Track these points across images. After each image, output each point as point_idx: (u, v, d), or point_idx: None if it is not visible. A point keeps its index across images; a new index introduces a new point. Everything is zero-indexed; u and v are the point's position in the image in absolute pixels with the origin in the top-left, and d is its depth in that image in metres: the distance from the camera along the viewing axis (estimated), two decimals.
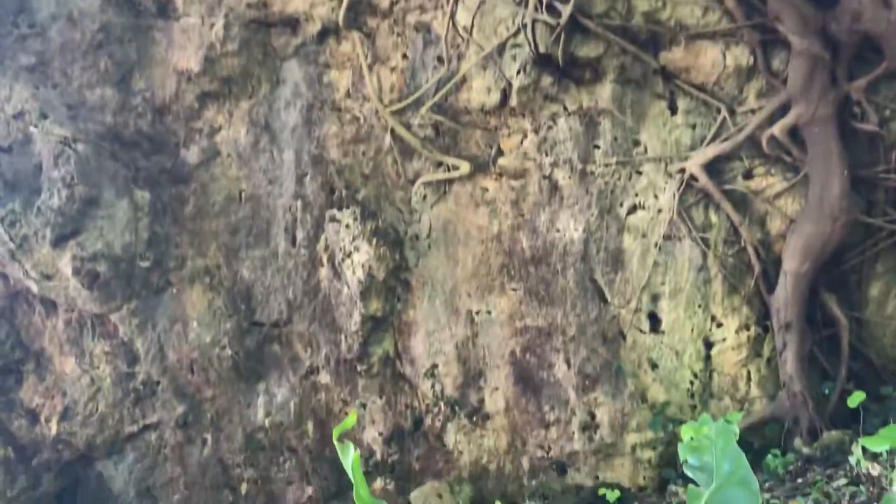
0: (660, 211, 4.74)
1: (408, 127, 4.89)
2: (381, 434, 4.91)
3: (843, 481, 3.87)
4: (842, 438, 4.32)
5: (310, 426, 4.91)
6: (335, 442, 1.43)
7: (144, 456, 4.90)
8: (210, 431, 4.92)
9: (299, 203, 4.94)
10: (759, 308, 4.77)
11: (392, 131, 4.92)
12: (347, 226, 4.75)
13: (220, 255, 4.90)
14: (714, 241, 4.74)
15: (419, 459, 4.89)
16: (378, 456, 4.91)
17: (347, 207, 4.83)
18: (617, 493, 4.02)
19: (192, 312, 4.86)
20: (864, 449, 3.78)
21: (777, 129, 4.55)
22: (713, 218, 4.75)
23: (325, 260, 4.86)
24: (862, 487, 3.84)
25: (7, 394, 4.86)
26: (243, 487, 4.90)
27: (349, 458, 1.40)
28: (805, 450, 4.37)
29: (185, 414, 4.89)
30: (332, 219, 4.81)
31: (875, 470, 3.62)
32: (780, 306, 4.61)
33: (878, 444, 3.32)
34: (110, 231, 4.67)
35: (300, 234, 4.92)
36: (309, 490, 4.88)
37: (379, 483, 4.92)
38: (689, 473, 1.86)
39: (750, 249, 4.70)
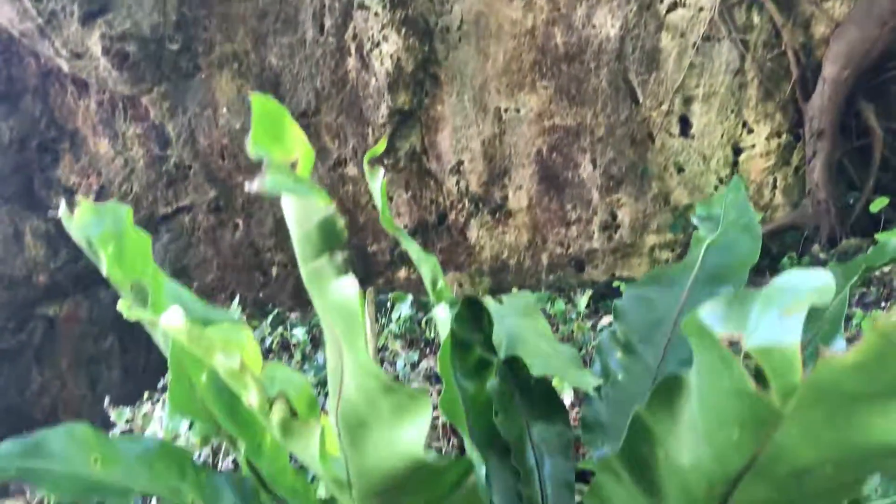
0: (701, 9, 4.55)
1: None
2: (406, 227, 5.03)
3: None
4: (859, 245, 4.36)
5: None
6: (365, 165, 1.46)
7: (179, 237, 5.09)
8: (241, 216, 5.06)
9: None
10: (792, 115, 4.68)
11: None
12: (376, 14, 4.63)
13: (248, 40, 4.83)
14: (754, 44, 4.57)
15: (442, 252, 5.03)
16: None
17: None
18: None
19: (222, 98, 4.86)
20: None
21: None
22: (755, 19, 4.56)
23: (353, 49, 4.78)
24: (872, 288, 3.93)
25: (45, 171, 5.00)
26: (273, 270, 5.11)
27: (377, 181, 1.44)
28: (821, 255, 4.43)
29: (216, 198, 5.02)
30: (361, 6, 4.68)
31: (886, 267, 3.68)
32: (815, 113, 4.52)
33: (892, 237, 3.36)
34: (138, 10, 4.60)
35: (328, 22, 4.81)
36: None
37: (403, 272, 5.11)
38: (696, 223, 1.91)
39: (790, 53, 4.55)
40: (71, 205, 1.14)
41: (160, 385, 3.82)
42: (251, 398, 0.93)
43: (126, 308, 1.02)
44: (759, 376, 0.59)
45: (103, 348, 5.26)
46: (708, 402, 0.65)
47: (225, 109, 4.87)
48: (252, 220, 5.06)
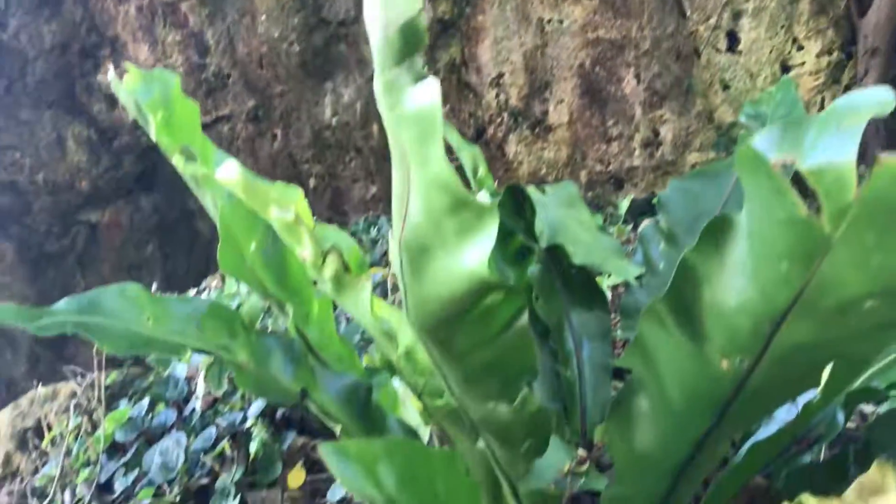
0: None
1: None
2: None
3: None
4: None
5: (374, 128, 5.01)
6: None
7: (218, 146, 5.10)
8: (280, 127, 5.07)
9: None
10: (845, 32, 4.51)
11: None
12: None
13: None
14: None
15: None
16: None
17: None
18: None
19: (261, 5, 4.81)
20: None
21: None
22: None
23: None
24: None
25: (86, 77, 5.04)
26: (311, 182, 5.14)
27: None
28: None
29: (255, 108, 5.03)
30: None
31: None
32: (870, 30, 4.36)
33: None
34: None
35: None
36: (373, 189, 5.10)
37: None
38: (743, 121, 1.88)
39: None
40: (119, 71, 1.16)
41: (202, 286, 3.92)
42: (304, 252, 0.95)
43: (181, 162, 1.04)
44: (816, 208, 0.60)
45: (144, 255, 5.38)
46: (757, 236, 0.65)
47: (264, 17, 4.83)
48: (290, 130, 5.07)
